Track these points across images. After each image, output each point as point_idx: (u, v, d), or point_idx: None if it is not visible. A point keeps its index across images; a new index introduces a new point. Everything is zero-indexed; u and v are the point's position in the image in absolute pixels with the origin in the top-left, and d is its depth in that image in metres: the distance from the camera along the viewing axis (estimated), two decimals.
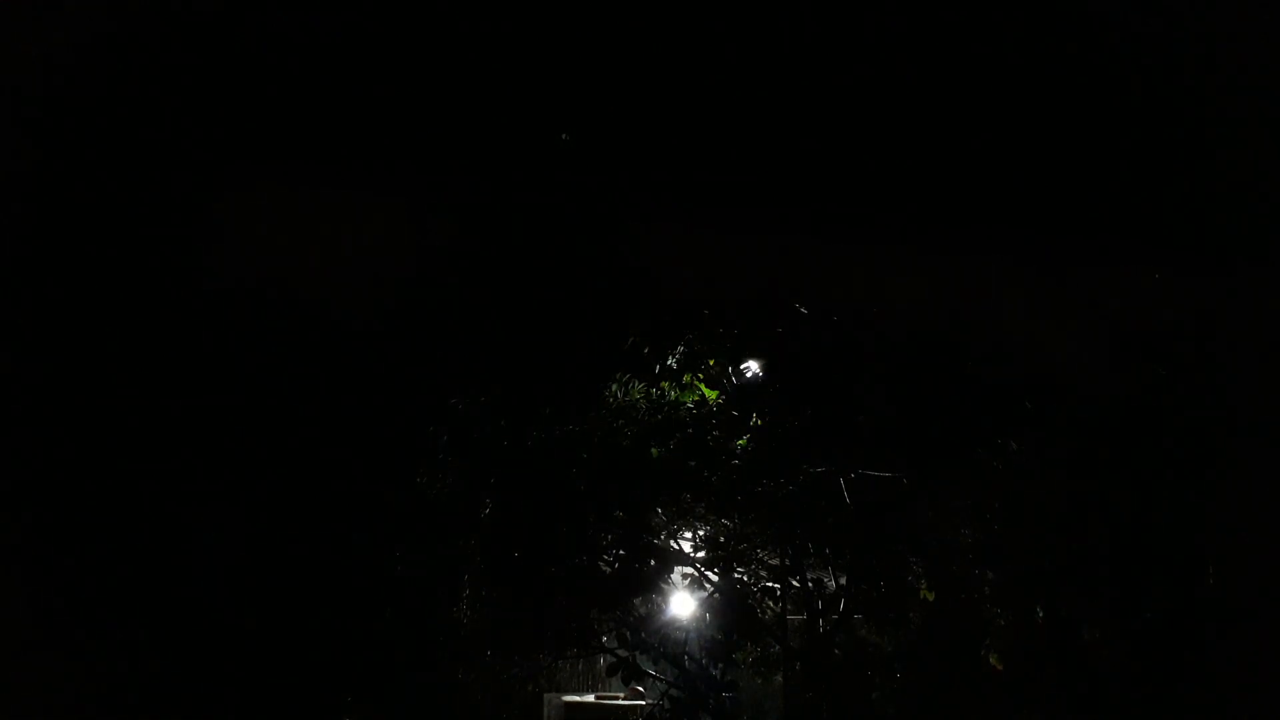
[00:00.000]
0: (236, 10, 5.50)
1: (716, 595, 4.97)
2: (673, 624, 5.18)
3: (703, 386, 5.19)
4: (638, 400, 5.29)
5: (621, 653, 4.93)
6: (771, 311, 5.08)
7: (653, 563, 4.92)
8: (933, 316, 5.03)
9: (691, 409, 5.09)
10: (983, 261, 5.30)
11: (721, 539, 5.08)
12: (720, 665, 4.84)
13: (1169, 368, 4.81)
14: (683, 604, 5.21)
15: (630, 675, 4.86)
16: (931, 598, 4.73)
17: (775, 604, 5.07)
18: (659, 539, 5.12)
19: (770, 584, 5.03)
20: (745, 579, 5.01)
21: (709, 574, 5.03)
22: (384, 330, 5.90)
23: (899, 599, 4.62)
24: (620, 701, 6.68)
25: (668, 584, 5.11)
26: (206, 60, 5.62)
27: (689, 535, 5.28)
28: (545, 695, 6.72)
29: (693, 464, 4.92)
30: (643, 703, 6.38)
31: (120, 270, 5.70)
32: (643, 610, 5.10)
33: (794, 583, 4.96)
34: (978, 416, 4.76)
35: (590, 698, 6.90)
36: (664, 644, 5.01)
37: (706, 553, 5.08)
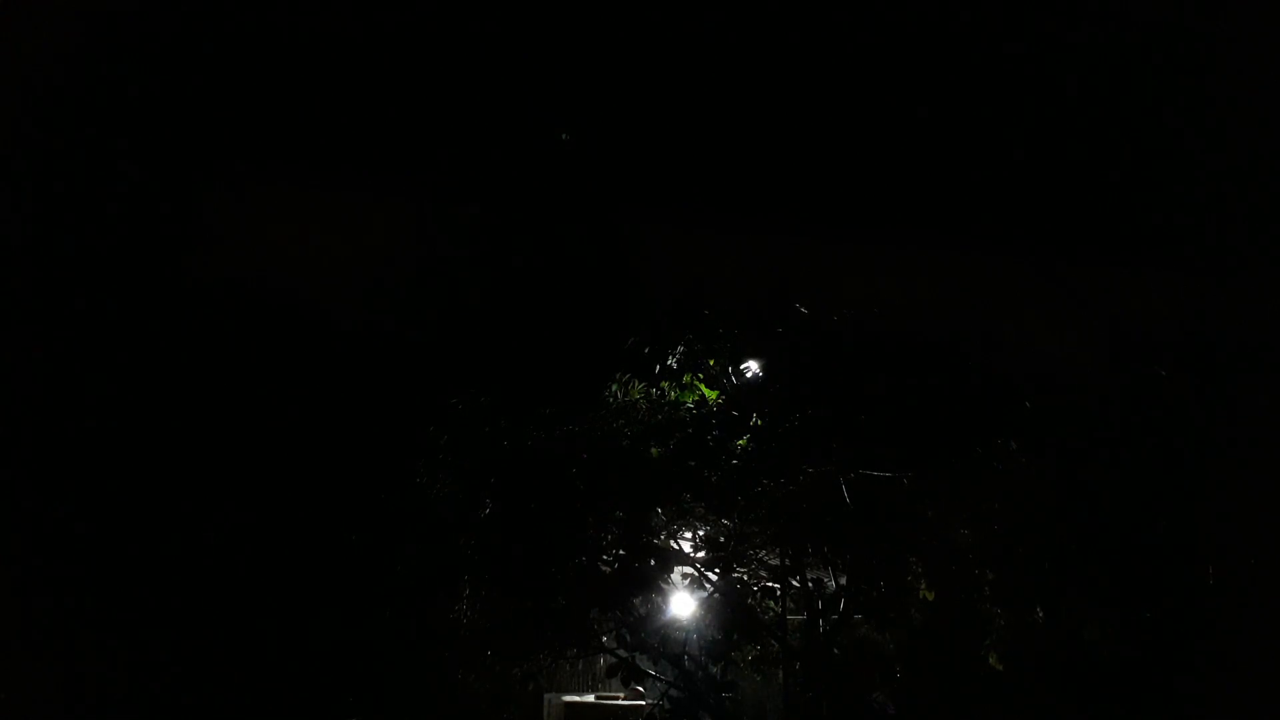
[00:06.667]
0: (240, 10, 5.50)
1: (716, 595, 4.97)
2: (673, 624, 5.18)
3: (703, 386, 5.19)
4: (638, 400, 5.29)
5: (621, 653, 4.93)
6: (771, 311, 5.09)
7: (653, 563, 4.91)
8: (932, 316, 5.04)
9: (691, 409, 5.09)
10: (983, 261, 5.31)
11: (721, 539, 5.07)
12: (720, 665, 4.84)
13: (1169, 368, 4.81)
14: (683, 604, 5.20)
15: (630, 676, 4.86)
16: (931, 598, 4.73)
17: (775, 604, 5.07)
18: (659, 539, 5.11)
19: (770, 584, 5.02)
20: (745, 579, 5.00)
21: (709, 574, 5.03)
22: (384, 330, 5.91)
23: (899, 599, 4.62)
24: (620, 701, 6.68)
25: (668, 584, 5.10)
26: (210, 60, 5.62)
27: (689, 535, 5.27)
28: (545, 695, 6.71)
29: (693, 464, 4.91)
30: (643, 703, 6.38)
31: (121, 270, 5.70)
32: (643, 610, 5.09)
33: (794, 583, 4.96)
34: (978, 416, 4.77)
35: (590, 698, 6.90)
36: (664, 644, 5.01)
37: (706, 553, 5.08)
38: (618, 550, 4.99)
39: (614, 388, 5.35)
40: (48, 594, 5.23)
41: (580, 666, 6.91)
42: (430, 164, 5.87)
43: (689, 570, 5.12)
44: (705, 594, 5.05)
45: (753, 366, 5.16)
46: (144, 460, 5.50)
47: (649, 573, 4.89)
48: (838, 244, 5.48)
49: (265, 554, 5.47)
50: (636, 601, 5.04)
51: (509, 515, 5.05)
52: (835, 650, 4.71)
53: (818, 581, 4.87)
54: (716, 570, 4.97)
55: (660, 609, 5.19)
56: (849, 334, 5.00)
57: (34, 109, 5.41)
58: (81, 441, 5.42)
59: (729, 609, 4.87)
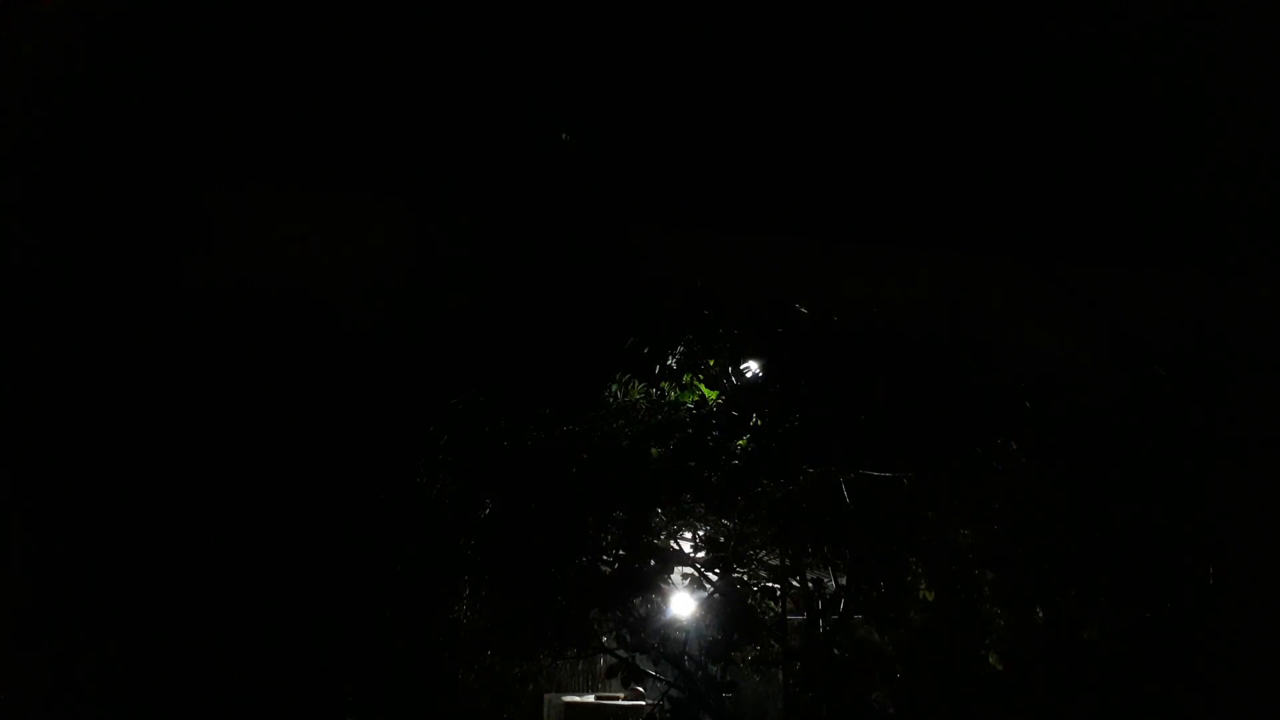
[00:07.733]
0: (240, 10, 5.51)
1: (716, 595, 4.97)
2: (673, 624, 5.17)
3: (703, 386, 5.19)
4: (638, 400, 5.29)
5: (621, 653, 4.93)
6: (771, 311, 5.09)
7: (653, 563, 4.91)
8: (933, 317, 5.04)
9: (691, 409, 5.09)
10: (983, 262, 5.31)
11: (721, 539, 5.07)
12: (720, 665, 4.84)
13: (1169, 368, 4.81)
14: (683, 604, 5.20)
15: (630, 676, 4.86)
16: (931, 598, 4.73)
17: (775, 604, 5.07)
18: (659, 539, 5.11)
19: (770, 584, 5.02)
20: (745, 579, 5.00)
21: (709, 574, 5.02)
22: (384, 330, 5.91)
23: (899, 599, 4.62)
24: (620, 702, 6.67)
25: (668, 584, 5.10)
26: (210, 60, 5.62)
27: (689, 535, 5.27)
28: (545, 695, 6.71)
29: (693, 464, 4.91)
30: (643, 703, 6.38)
31: (121, 270, 5.71)
32: (643, 610, 5.09)
33: (794, 583, 4.96)
34: (978, 416, 4.77)
35: (590, 698, 6.89)
36: (664, 644, 5.01)
37: (706, 553, 5.08)
38: (618, 550, 4.99)
39: (614, 388, 5.35)
40: (48, 594, 5.23)
41: (580, 666, 6.91)
42: (430, 164, 5.87)
43: (689, 570, 5.12)
44: (705, 594, 5.05)
45: (753, 366, 5.16)
46: (144, 461, 5.50)
47: (649, 573, 4.90)
48: (838, 244, 5.49)
49: (265, 554, 5.47)
50: (636, 602, 5.04)
51: (509, 515, 5.05)
52: (835, 650, 4.71)
53: (818, 581, 4.87)
54: (716, 570, 4.97)
55: (660, 609, 5.19)
56: (849, 334, 5.00)
57: (34, 109, 5.41)
58: (82, 442, 5.43)
59: (729, 609, 4.86)
